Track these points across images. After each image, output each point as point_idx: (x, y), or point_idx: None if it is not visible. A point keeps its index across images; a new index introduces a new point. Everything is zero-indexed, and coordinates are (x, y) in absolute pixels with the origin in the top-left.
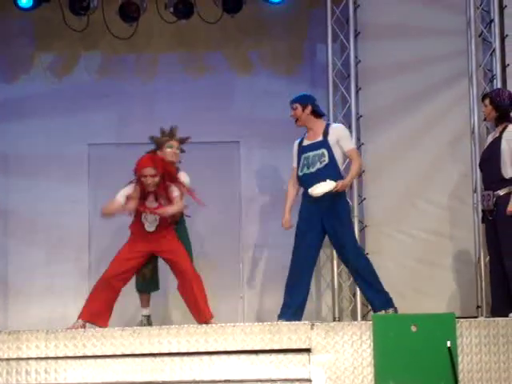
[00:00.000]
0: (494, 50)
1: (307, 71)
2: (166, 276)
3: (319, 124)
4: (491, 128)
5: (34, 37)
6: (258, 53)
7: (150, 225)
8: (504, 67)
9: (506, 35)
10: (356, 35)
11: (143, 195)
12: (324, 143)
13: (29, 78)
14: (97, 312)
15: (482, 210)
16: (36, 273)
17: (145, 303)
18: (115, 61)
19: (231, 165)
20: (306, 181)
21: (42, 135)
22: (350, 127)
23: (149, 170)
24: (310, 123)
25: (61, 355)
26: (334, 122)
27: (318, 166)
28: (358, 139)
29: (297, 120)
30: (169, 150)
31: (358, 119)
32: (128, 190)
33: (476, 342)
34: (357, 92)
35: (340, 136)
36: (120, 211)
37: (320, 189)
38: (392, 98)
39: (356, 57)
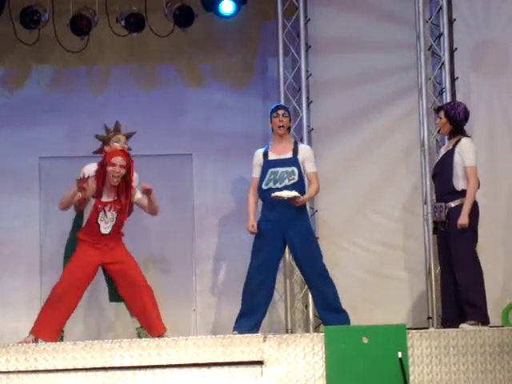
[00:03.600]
0: (443, 63)
1: (259, 84)
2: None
3: (289, 140)
4: (441, 141)
5: None
6: (210, 66)
7: (106, 225)
8: (453, 80)
9: (455, 48)
10: (307, 49)
11: (100, 192)
12: (294, 161)
13: None
14: (46, 327)
15: (434, 222)
16: None
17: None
18: (66, 74)
19: (184, 177)
20: (270, 195)
21: None
22: (301, 140)
23: (120, 160)
24: (286, 136)
25: (12, 370)
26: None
27: (287, 182)
28: None
29: (287, 129)
30: (116, 144)
31: (309, 132)
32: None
33: (427, 353)
34: (308, 105)
35: (307, 157)
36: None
37: (284, 193)
38: (343, 111)
39: (307, 70)
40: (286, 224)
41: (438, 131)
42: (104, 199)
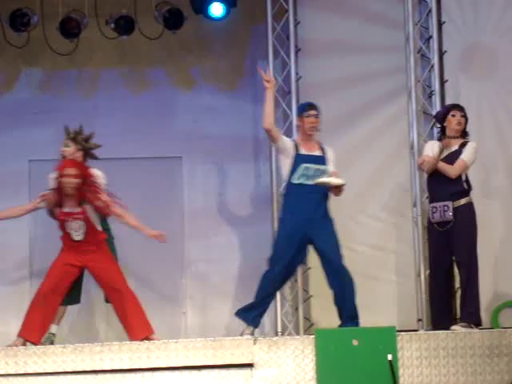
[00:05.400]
0: (432, 65)
1: (249, 87)
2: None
3: (315, 139)
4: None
5: None
6: (200, 69)
7: (75, 233)
8: (442, 83)
9: (445, 51)
10: (297, 51)
11: (59, 202)
12: (325, 160)
13: None
14: (31, 328)
15: (431, 223)
16: None
17: (57, 319)
18: (56, 77)
19: (174, 180)
20: (300, 191)
21: None
22: None
23: (70, 170)
24: (314, 135)
25: (2, 373)
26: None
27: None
28: None
29: (317, 129)
30: (66, 149)
31: None
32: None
33: (417, 355)
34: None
35: (332, 158)
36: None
37: (331, 180)
38: (332, 114)
39: (297, 73)
40: (313, 224)
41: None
42: (67, 209)
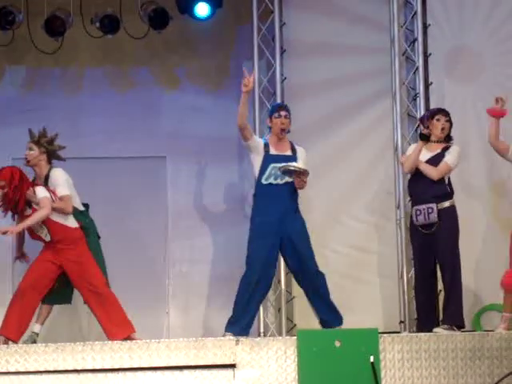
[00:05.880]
0: (417, 68)
1: (234, 87)
2: None
3: (286, 139)
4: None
5: None
6: (185, 69)
7: (42, 234)
8: (427, 85)
9: (430, 54)
10: (282, 53)
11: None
12: (295, 160)
13: None
14: (10, 326)
15: (414, 225)
16: None
17: (41, 318)
18: (40, 75)
19: (158, 180)
20: (269, 191)
21: None
22: None
23: None
24: (284, 136)
25: None
26: (260, 138)
27: (287, 179)
28: None
29: (287, 130)
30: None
31: None
32: None
33: (399, 358)
34: None
35: (303, 158)
36: None
37: (294, 164)
38: (317, 115)
39: (282, 74)
40: (284, 224)
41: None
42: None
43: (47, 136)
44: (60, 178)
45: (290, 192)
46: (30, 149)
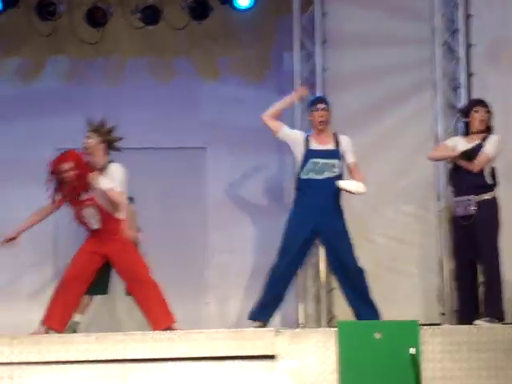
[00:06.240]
0: (458, 59)
1: (274, 78)
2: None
3: (329, 131)
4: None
5: (1, 41)
6: (226, 59)
7: (92, 221)
8: (469, 76)
9: (471, 44)
10: (322, 43)
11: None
12: (337, 154)
13: None
14: (54, 316)
15: (455, 216)
16: (0, 278)
17: (81, 308)
18: (82, 65)
19: (198, 170)
20: (309, 186)
21: (9, 139)
22: None
23: (65, 165)
24: (328, 127)
25: (25, 361)
26: (301, 129)
27: (327, 174)
28: None
29: (327, 122)
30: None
31: None
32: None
33: (439, 350)
34: None
35: (348, 148)
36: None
37: (352, 187)
38: (357, 106)
39: (322, 64)
40: (322, 219)
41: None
42: (77, 198)
43: (106, 126)
44: (119, 173)
45: (331, 187)
46: (89, 137)
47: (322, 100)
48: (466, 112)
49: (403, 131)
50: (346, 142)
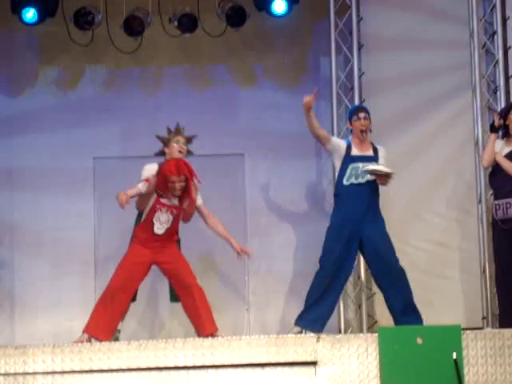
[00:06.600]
0: (497, 61)
1: (311, 83)
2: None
3: (368, 139)
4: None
5: (39, 51)
6: (262, 65)
7: (160, 226)
8: (507, 78)
9: (510, 47)
10: (359, 47)
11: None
12: (376, 159)
13: (33, 92)
14: (99, 326)
15: (495, 220)
16: (42, 287)
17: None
18: (120, 74)
19: (236, 177)
20: (351, 191)
21: (47, 149)
22: None
23: (176, 178)
24: (368, 135)
25: (67, 369)
26: (338, 134)
27: (368, 178)
28: None
29: (368, 131)
30: (175, 145)
31: None
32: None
33: (482, 354)
34: None
35: (384, 157)
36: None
37: (380, 167)
38: (395, 110)
39: (359, 69)
40: (364, 224)
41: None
42: (164, 200)
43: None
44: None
45: (372, 191)
46: (184, 143)
47: (362, 109)
48: (504, 115)
49: (442, 135)
50: (382, 151)
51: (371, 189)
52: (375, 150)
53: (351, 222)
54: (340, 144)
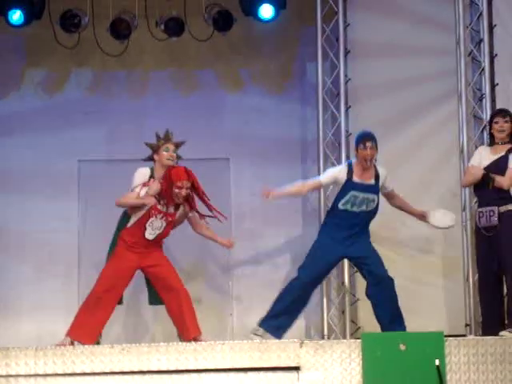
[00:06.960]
0: (483, 69)
1: (297, 89)
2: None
3: (372, 166)
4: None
5: (25, 53)
6: (249, 70)
7: (152, 232)
8: (493, 86)
9: (496, 54)
10: (346, 53)
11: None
12: (376, 189)
13: (19, 94)
14: (83, 329)
15: (478, 227)
16: (25, 289)
17: None
18: (106, 77)
19: (221, 182)
20: (343, 217)
21: (31, 151)
22: (339, 145)
23: (185, 183)
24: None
25: (50, 372)
26: (324, 139)
27: (364, 208)
28: (348, 157)
29: (373, 160)
30: (165, 153)
31: (347, 137)
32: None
33: (464, 361)
34: (346, 110)
35: (387, 177)
36: (137, 203)
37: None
38: (381, 116)
39: (346, 75)
40: (349, 246)
41: (489, 135)
42: (160, 207)
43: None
44: (145, 178)
45: (364, 220)
46: (174, 150)
47: (369, 138)
48: (489, 123)
49: (427, 142)
50: (384, 174)
51: (364, 218)
52: (377, 176)
53: (339, 245)
54: (336, 176)
